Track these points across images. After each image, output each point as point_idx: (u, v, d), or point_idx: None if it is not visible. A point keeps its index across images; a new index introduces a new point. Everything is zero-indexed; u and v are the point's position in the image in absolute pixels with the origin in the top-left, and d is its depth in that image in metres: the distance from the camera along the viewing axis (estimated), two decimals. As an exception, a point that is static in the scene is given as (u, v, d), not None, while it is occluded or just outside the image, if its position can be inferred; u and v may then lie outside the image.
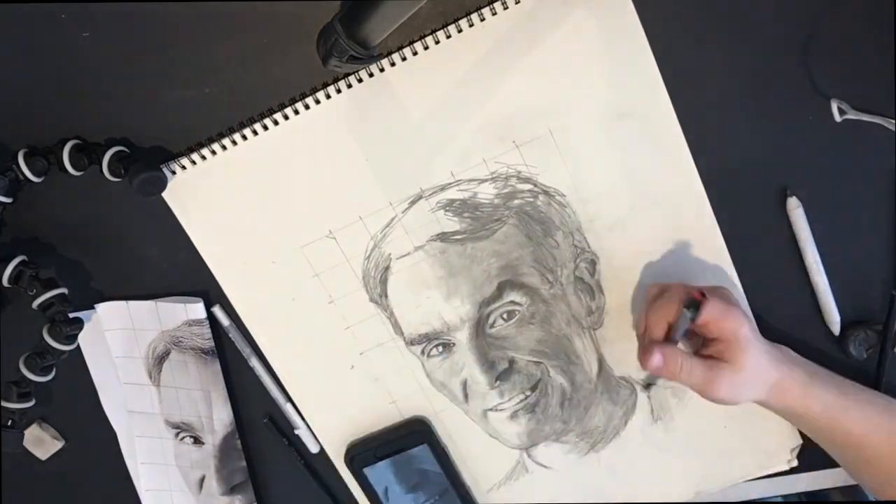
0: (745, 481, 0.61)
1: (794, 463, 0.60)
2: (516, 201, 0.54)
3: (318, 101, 0.50)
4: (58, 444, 0.63)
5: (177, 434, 0.62)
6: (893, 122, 0.49)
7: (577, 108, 0.51)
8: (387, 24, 0.41)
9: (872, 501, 0.49)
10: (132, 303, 0.57)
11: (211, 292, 0.57)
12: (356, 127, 0.52)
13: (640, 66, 0.50)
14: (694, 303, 0.48)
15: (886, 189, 0.53)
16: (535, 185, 0.53)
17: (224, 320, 0.57)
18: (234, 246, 0.55)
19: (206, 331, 0.57)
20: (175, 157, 0.52)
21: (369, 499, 0.61)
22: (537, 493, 0.62)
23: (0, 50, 0.48)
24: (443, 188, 0.53)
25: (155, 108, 0.51)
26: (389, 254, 0.55)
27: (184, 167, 0.52)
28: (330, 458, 0.62)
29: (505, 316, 0.56)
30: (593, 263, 0.55)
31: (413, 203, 0.54)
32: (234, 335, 0.58)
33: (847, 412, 0.51)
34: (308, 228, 0.54)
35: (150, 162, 0.51)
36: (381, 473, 0.60)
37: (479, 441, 0.61)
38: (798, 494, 0.62)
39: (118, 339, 0.58)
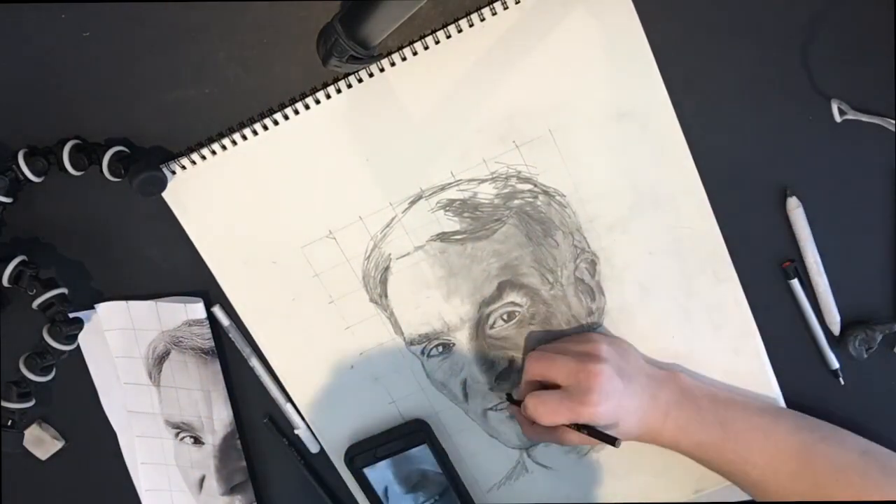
0: (745, 481, 0.61)
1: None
2: (516, 201, 0.54)
3: (318, 101, 0.50)
4: (58, 444, 0.63)
5: (177, 434, 0.62)
6: (893, 122, 0.49)
7: (577, 108, 0.51)
8: (387, 24, 0.41)
9: (871, 501, 0.49)
10: (132, 303, 0.57)
11: (211, 292, 0.57)
12: (356, 127, 0.52)
13: (640, 66, 0.50)
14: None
15: (886, 189, 0.53)
16: (535, 185, 0.53)
17: (224, 320, 0.57)
18: (234, 246, 0.55)
19: (206, 331, 0.57)
20: (175, 157, 0.52)
21: (369, 499, 0.61)
22: (537, 493, 0.62)
23: (0, 50, 0.48)
24: (443, 188, 0.53)
25: (155, 108, 0.51)
26: (389, 254, 0.55)
27: (184, 167, 0.52)
28: (330, 458, 0.62)
29: (505, 317, 0.56)
30: (593, 264, 0.55)
31: (413, 203, 0.54)
32: (234, 335, 0.58)
33: (726, 444, 0.52)
34: (308, 228, 0.54)
35: (150, 162, 0.51)
36: (381, 473, 0.60)
37: (479, 441, 0.61)
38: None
39: (118, 339, 0.58)
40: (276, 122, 0.51)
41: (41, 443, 0.63)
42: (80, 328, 0.55)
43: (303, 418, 0.60)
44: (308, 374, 0.59)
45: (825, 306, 0.56)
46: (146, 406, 0.61)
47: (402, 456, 0.59)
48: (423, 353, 0.58)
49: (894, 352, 0.57)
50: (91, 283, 0.57)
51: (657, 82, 0.50)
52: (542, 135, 0.52)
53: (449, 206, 0.54)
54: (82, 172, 0.51)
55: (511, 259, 0.55)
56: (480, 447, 0.61)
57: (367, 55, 0.43)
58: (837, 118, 0.50)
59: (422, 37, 0.49)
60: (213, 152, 0.52)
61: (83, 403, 0.62)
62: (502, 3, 0.48)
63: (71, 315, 0.54)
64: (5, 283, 0.52)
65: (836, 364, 0.57)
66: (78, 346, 0.58)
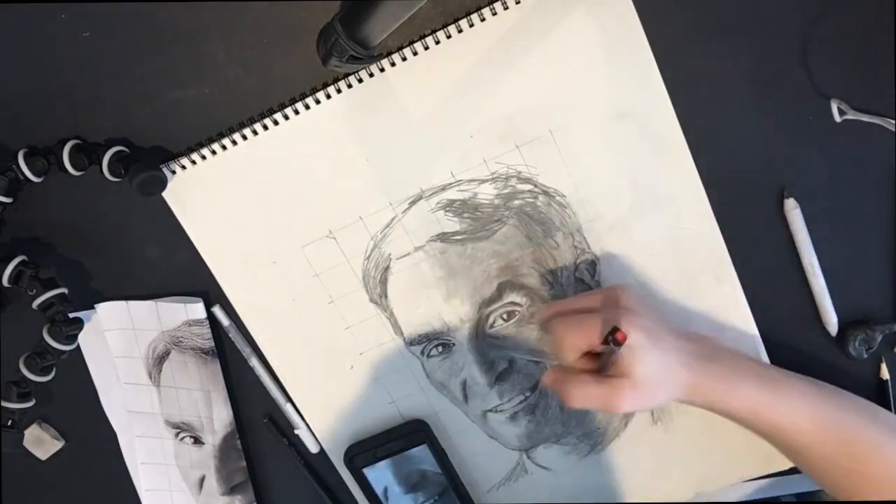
0: (745, 481, 0.61)
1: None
2: (516, 202, 0.54)
3: (318, 101, 0.50)
4: (58, 444, 0.63)
5: (177, 434, 0.62)
6: (893, 122, 0.49)
7: (577, 109, 0.51)
8: (387, 24, 0.41)
9: (876, 501, 0.49)
10: (132, 303, 0.57)
11: (211, 292, 0.57)
12: (356, 127, 0.52)
13: (640, 66, 0.50)
14: (616, 341, 0.45)
15: (886, 189, 0.53)
16: (536, 186, 0.53)
17: (224, 320, 0.57)
18: (234, 246, 0.55)
19: (206, 331, 0.57)
20: (175, 157, 0.52)
21: (369, 499, 0.61)
22: (537, 494, 0.62)
23: (0, 50, 0.48)
24: (443, 188, 0.53)
25: (155, 108, 0.51)
26: (389, 254, 0.55)
27: (184, 167, 0.52)
28: (330, 458, 0.62)
29: (505, 316, 0.56)
30: (594, 264, 0.55)
31: (413, 203, 0.54)
32: (234, 335, 0.58)
33: (772, 403, 0.51)
34: (308, 228, 0.54)
35: (150, 162, 0.51)
36: (380, 473, 0.60)
37: (478, 442, 0.61)
38: (798, 494, 0.62)
39: (118, 339, 0.58)
40: (276, 122, 0.51)
41: (41, 443, 0.63)
42: (80, 328, 0.55)
43: (303, 418, 0.60)
44: (308, 374, 0.59)
45: (822, 308, 0.56)
46: (146, 406, 0.61)
47: (402, 456, 0.59)
48: (422, 353, 0.58)
49: (894, 352, 0.57)
50: (91, 283, 0.57)
51: (657, 82, 0.50)
52: (542, 135, 0.52)
53: (449, 206, 0.54)
54: (82, 172, 0.51)
55: (511, 260, 0.55)
56: (480, 448, 0.61)
57: (367, 55, 0.43)
58: (837, 118, 0.50)
59: (422, 37, 0.49)
60: (213, 152, 0.52)
61: (83, 403, 0.62)
62: (502, 4, 0.48)
63: (71, 315, 0.54)
64: (5, 283, 0.52)
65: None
66: (78, 346, 0.58)
